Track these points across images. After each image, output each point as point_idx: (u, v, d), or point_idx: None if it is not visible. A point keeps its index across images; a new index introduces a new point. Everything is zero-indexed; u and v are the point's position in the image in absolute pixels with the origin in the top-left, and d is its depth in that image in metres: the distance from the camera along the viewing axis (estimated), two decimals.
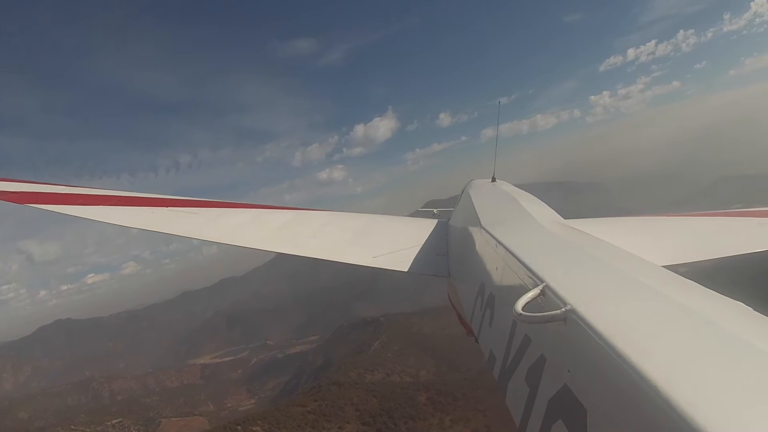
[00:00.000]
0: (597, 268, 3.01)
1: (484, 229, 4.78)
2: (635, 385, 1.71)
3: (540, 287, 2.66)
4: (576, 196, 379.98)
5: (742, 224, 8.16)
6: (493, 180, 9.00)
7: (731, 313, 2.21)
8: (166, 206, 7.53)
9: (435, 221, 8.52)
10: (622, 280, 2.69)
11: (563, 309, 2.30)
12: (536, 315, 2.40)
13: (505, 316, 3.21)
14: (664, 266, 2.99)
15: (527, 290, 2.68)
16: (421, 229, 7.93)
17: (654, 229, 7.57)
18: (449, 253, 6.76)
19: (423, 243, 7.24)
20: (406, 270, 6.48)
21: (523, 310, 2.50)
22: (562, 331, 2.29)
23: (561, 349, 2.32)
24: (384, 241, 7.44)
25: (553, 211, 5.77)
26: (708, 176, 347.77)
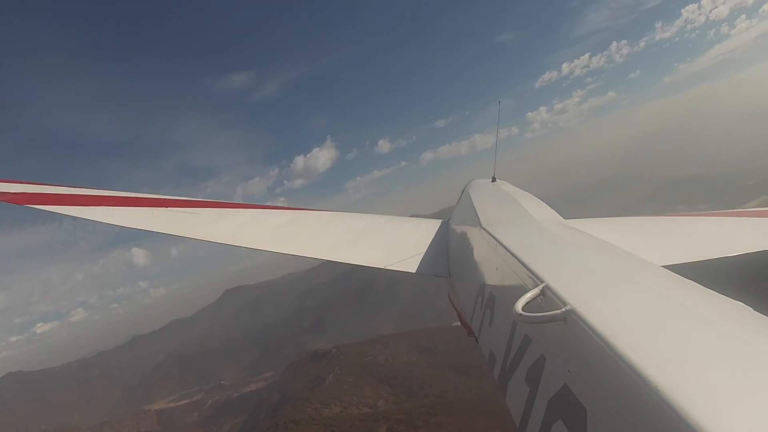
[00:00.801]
0: (597, 268, 3.01)
1: (484, 229, 4.79)
2: (635, 385, 1.70)
3: (540, 287, 2.64)
4: None
5: (742, 224, 8.17)
6: (493, 180, 9.06)
7: (731, 313, 2.20)
8: (166, 206, 7.57)
9: (435, 221, 8.50)
10: (622, 280, 2.68)
11: (563, 309, 2.28)
12: (536, 315, 2.39)
13: (505, 316, 3.23)
14: (664, 266, 3.03)
15: (527, 290, 2.67)
16: (422, 229, 7.89)
17: (654, 229, 7.55)
18: (449, 253, 6.72)
19: (423, 243, 7.18)
20: (406, 270, 6.44)
21: (523, 310, 2.49)
22: (562, 331, 2.28)
23: (561, 349, 2.30)
24: (384, 241, 7.49)
25: (553, 211, 5.88)
26: (651, 181, 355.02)
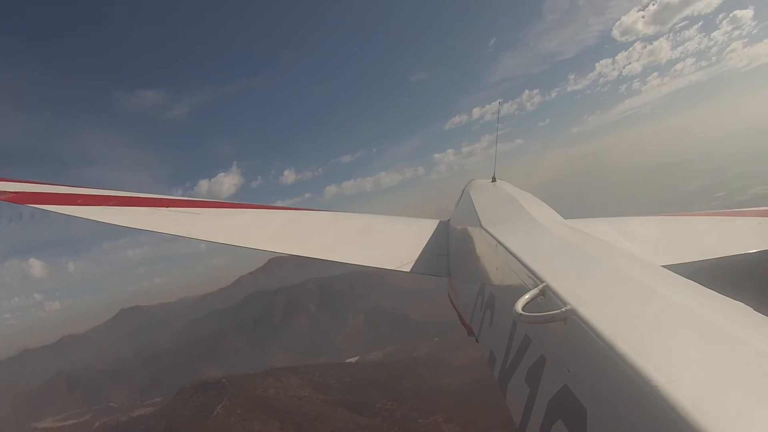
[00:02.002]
0: (597, 268, 3.01)
1: (484, 229, 4.74)
2: (635, 385, 1.69)
3: (540, 287, 2.63)
4: None
5: (742, 224, 8.10)
6: (494, 180, 8.98)
7: (731, 313, 2.21)
8: (167, 207, 7.36)
9: (435, 221, 8.33)
10: (622, 280, 2.68)
11: (563, 309, 2.28)
12: (536, 315, 2.38)
13: (505, 316, 3.21)
14: (664, 266, 3.03)
15: (527, 290, 2.66)
16: (422, 229, 7.74)
17: (654, 229, 7.41)
18: (449, 252, 6.66)
19: (423, 243, 7.08)
20: (406, 270, 6.32)
21: (523, 310, 2.49)
22: (562, 331, 2.26)
23: (561, 349, 2.29)
24: (384, 241, 7.44)
25: (554, 211, 5.84)
26: None
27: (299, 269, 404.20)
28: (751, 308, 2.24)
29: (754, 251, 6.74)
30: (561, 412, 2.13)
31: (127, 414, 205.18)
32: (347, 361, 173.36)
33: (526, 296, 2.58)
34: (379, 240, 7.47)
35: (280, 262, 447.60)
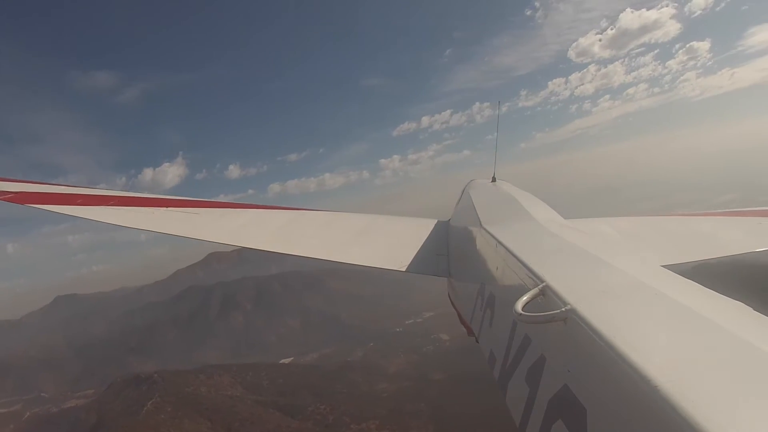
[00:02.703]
0: (597, 268, 2.99)
1: (484, 229, 4.74)
2: (635, 385, 1.67)
3: (540, 287, 2.62)
4: None
5: (742, 224, 8.08)
6: (494, 180, 8.95)
7: (731, 313, 2.19)
8: (167, 206, 7.40)
9: (435, 221, 8.27)
10: (622, 280, 2.66)
11: (563, 309, 2.26)
12: (536, 315, 2.37)
13: (505, 316, 3.20)
14: (664, 266, 3.04)
15: (527, 290, 2.65)
16: (422, 229, 7.69)
17: (654, 229, 7.43)
18: (449, 252, 6.60)
19: (423, 243, 7.06)
20: (406, 270, 6.32)
21: (523, 310, 2.47)
22: (562, 331, 2.25)
23: (561, 349, 2.28)
24: (385, 241, 7.43)
25: (554, 211, 5.75)
26: None
27: (237, 266, 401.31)
28: (751, 308, 2.25)
29: (754, 251, 6.73)
30: (561, 412, 2.12)
31: (58, 405, 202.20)
32: (281, 362, 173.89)
33: (526, 296, 2.58)
34: (379, 240, 7.47)
35: (219, 258, 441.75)
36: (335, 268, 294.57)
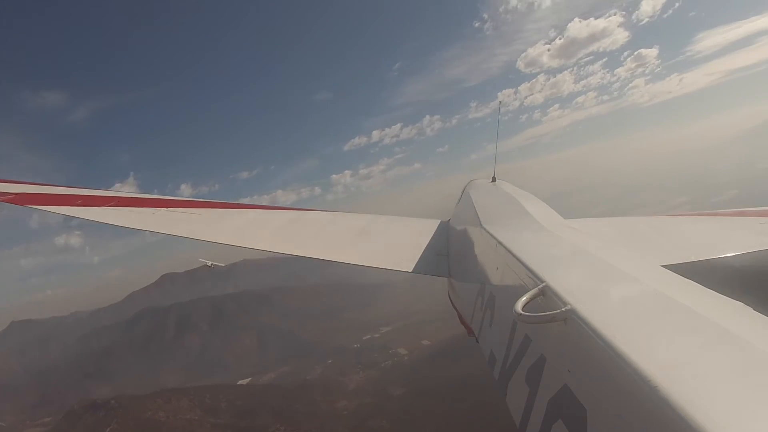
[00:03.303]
0: (597, 268, 2.97)
1: (484, 229, 4.71)
2: (635, 385, 1.67)
3: (540, 287, 2.61)
4: (319, 271, 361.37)
5: (742, 224, 8.06)
6: (494, 180, 8.98)
7: (731, 313, 2.18)
8: (168, 207, 7.38)
9: (435, 221, 8.30)
10: (622, 280, 2.65)
11: (563, 309, 2.25)
12: (536, 315, 2.36)
13: (505, 316, 3.18)
14: (664, 266, 3.01)
15: (527, 290, 2.64)
16: (422, 230, 7.73)
17: (654, 229, 7.25)
18: (449, 253, 6.62)
19: (423, 243, 7.05)
20: (406, 270, 6.30)
21: (523, 310, 2.47)
22: (562, 331, 2.24)
23: (561, 349, 2.27)
24: (385, 241, 7.43)
25: (554, 211, 5.72)
26: None
27: (192, 286, 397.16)
28: (751, 308, 2.23)
29: (754, 251, 6.69)
30: (561, 412, 2.11)
31: None
32: (239, 383, 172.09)
33: (526, 296, 2.57)
34: (379, 240, 7.47)
35: (173, 279, 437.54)
36: (289, 286, 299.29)
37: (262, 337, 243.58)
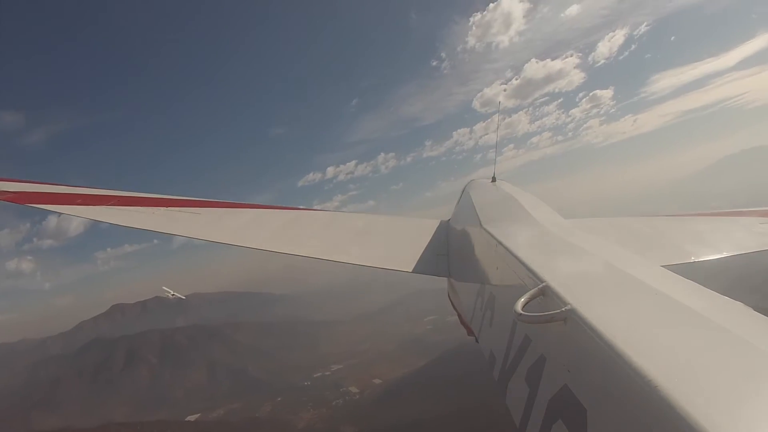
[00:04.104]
0: (597, 268, 2.98)
1: (484, 229, 4.67)
2: (635, 385, 1.67)
3: (540, 287, 2.60)
4: (269, 307, 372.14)
5: (742, 224, 7.95)
6: (494, 180, 8.89)
7: (731, 313, 2.18)
8: (168, 206, 7.25)
9: (435, 221, 8.21)
10: (622, 280, 2.64)
11: (563, 309, 2.24)
12: (536, 315, 2.35)
13: (505, 316, 3.17)
14: (664, 266, 3.01)
15: (527, 290, 2.62)
16: (422, 229, 7.66)
17: (654, 229, 7.33)
18: (449, 253, 6.57)
19: (423, 243, 6.99)
20: (406, 270, 6.25)
21: (523, 310, 2.46)
22: (562, 331, 2.23)
23: (561, 349, 2.26)
24: (385, 241, 7.44)
25: (554, 211, 5.70)
26: (407, 286, 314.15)
27: (142, 318, 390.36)
28: (751, 308, 2.23)
29: (754, 251, 6.68)
30: (561, 412, 2.10)
31: None
32: (187, 418, 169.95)
33: (526, 296, 2.57)
34: (379, 240, 7.49)
35: (124, 309, 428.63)
36: (240, 321, 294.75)
37: (212, 373, 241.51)
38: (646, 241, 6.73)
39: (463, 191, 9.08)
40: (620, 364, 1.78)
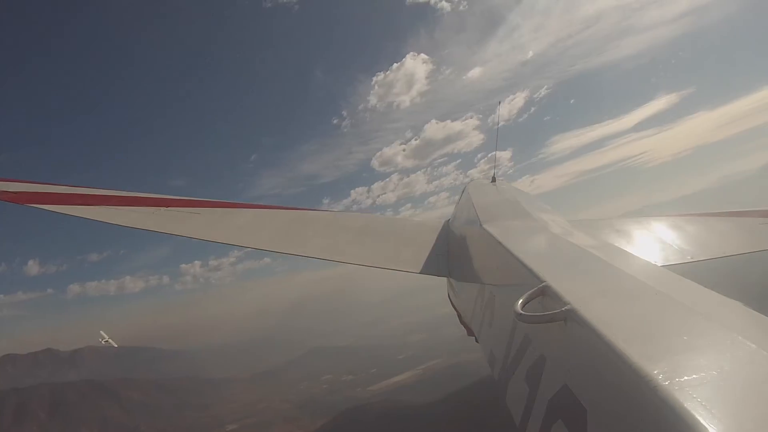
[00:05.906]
0: (597, 268, 2.95)
1: (484, 228, 4.61)
2: (635, 385, 1.65)
3: (540, 287, 2.58)
4: (164, 363, 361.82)
5: (742, 224, 7.92)
6: (493, 180, 9.01)
7: (731, 313, 2.17)
8: (168, 206, 7.14)
9: (435, 221, 8.10)
10: (622, 280, 2.64)
11: (563, 309, 2.23)
12: (536, 315, 2.35)
13: (505, 316, 3.14)
14: (664, 266, 3.07)
15: (527, 290, 2.60)
16: (422, 230, 7.63)
17: (654, 229, 7.25)
18: (449, 253, 6.49)
19: (423, 243, 6.89)
20: (406, 270, 6.19)
21: (523, 310, 2.44)
22: (562, 331, 2.22)
23: (561, 349, 2.26)
24: (385, 241, 7.32)
25: (554, 211, 5.75)
26: (303, 345, 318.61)
27: (32, 370, 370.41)
28: (750, 308, 2.21)
29: (754, 251, 6.75)
30: (561, 412, 2.09)
31: None
32: None
33: (526, 296, 2.55)
34: (379, 240, 7.36)
35: (14, 361, 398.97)
36: (133, 378, 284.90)
37: (104, 431, 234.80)
38: (646, 241, 6.79)
39: (463, 191, 9.02)
40: (620, 364, 1.77)
